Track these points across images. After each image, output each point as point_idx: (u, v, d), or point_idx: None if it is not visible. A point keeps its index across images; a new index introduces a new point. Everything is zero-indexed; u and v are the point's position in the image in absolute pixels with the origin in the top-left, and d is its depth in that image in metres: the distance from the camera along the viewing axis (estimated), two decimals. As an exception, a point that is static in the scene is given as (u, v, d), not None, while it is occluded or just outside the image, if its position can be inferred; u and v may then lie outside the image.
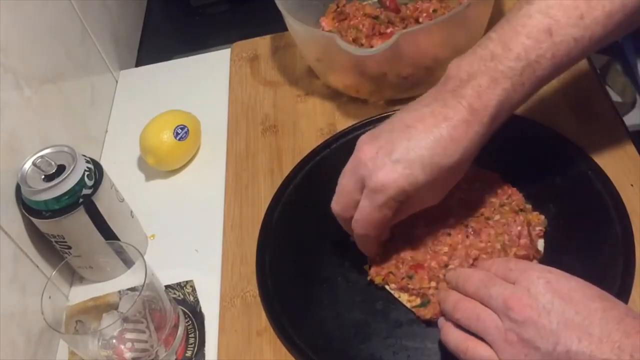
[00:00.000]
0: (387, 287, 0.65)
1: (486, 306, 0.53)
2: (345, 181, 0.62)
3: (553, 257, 0.64)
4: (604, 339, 0.48)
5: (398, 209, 0.60)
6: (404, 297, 0.64)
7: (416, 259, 0.65)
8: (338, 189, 0.63)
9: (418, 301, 0.63)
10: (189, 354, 0.67)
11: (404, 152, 0.58)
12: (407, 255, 0.65)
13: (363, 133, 0.78)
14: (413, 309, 0.63)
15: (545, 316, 0.49)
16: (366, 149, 0.60)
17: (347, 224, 0.64)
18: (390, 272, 0.65)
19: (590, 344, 0.48)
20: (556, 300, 0.50)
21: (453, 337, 0.55)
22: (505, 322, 0.51)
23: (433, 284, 0.63)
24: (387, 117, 0.79)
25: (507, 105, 0.59)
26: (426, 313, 0.62)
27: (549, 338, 0.49)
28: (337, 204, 0.63)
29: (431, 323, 0.62)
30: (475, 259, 0.63)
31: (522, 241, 0.63)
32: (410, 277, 0.64)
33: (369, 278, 0.66)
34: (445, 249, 0.65)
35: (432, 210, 0.67)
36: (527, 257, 0.63)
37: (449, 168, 0.58)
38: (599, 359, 0.47)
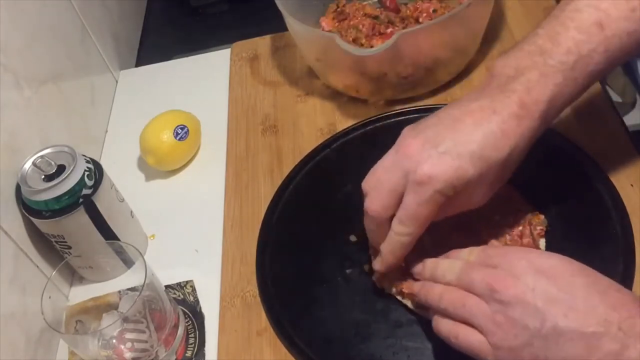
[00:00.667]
0: (392, 292, 0.65)
1: (471, 292, 0.53)
2: (386, 176, 0.58)
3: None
4: (589, 313, 0.48)
5: (440, 208, 0.57)
6: (407, 301, 0.64)
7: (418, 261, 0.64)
8: (375, 185, 0.59)
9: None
10: (189, 354, 0.67)
11: (452, 145, 0.55)
12: (407, 257, 0.65)
13: (363, 133, 0.80)
14: (418, 312, 0.63)
15: (530, 294, 0.49)
16: (411, 141, 0.57)
17: (381, 228, 0.60)
18: (393, 278, 0.65)
19: (576, 318, 0.48)
20: (539, 278, 0.50)
21: (443, 325, 0.55)
22: (492, 305, 0.51)
23: None
24: (388, 117, 0.80)
25: (560, 100, 0.57)
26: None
27: (535, 315, 0.49)
28: (377, 202, 0.58)
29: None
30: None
31: (525, 240, 0.63)
32: (410, 292, 0.63)
33: (373, 278, 0.66)
34: (447, 250, 0.64)
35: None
36: None
37: (499, 163, 0.56)
38: (587, 331, 0.47)
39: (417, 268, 0.61)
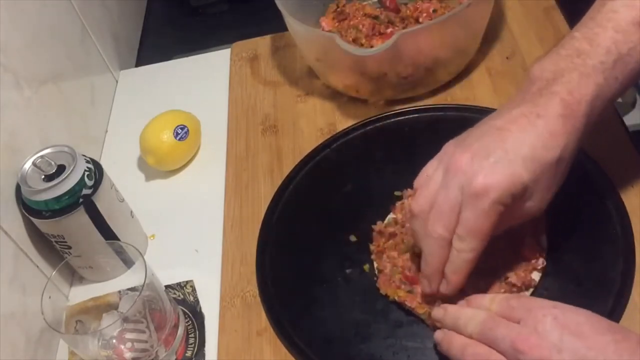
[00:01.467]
0: (396, 298, 0.64)
1: (494, 349, 0.52)
2: (442, 196, 0.56)
3: (553, 257, 0.64)
4: None
5: (500, 219, 0.56)
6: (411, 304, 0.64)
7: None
8: (433, 208, 0.57)
9: (425, 308, 0.63)
10: (189, 354, 0.67)
11: (502, 154, 0.55)
12: (412, 263, 0.65)
13: (363, 133, 0.80)
14: (422, 316, 0.63)
15: (557, 354, 0.48)
16: (459, 156, 0.56)
17: (445, 250, 0.57)
18: (397, 286, 0.64)
19: None
20: (566, 336, 0.49)
21: None
22: None
23: (438, 298, 0.62)
24: (387, 117, 0.80)
25: (602, 100, 0.56)
26: (433, 322, 0.61)
27: None
28: (438, 224, 0.57)
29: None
30: (479, 262, 0.63)
31: (528, 239, 0.63)
32: (410, 292, 0.64)
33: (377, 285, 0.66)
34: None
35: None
36: (533, 255, 0.63)
37: (551, 164, 0.55)
38: None
39: (438, 314, 0.59)
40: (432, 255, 0.59)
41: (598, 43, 0.56)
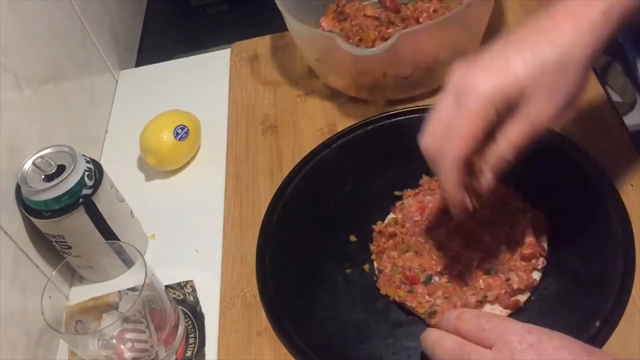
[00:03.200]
0: (396, 298, 0.65)
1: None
2: (440, 107, 0.54)
3: (553, 257, 0.64)
4: None
5: (505, 120, 0.53)
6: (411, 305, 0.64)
7: (422, 267, 0.64)
8: (431, 120, 0.55)
9: (425, 308, 0.63)
10: (189, 354, 0.67)
11: (500, 51, 0.52)
12: (412, 263, 0.65)
13: (363, 133, 0.80)
14: (422, 316, 0.63)
15: None
16: (460, 67, 0.54)
17: (447, 162, 0.54)
18: (397, 286, 0.64)
19: None
20: None
21: None
22: None
23: (438, 299, 0.62)
24: (387, 117, 0.80)
25: (618, 10, 0.52)
26: (436, 322, 0.61)
27: None
28: (431, 135, 0.55)
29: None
30: (480, 262, 0.63)
31: (528, 239, 0.63)
32: (411, 292, 0.64)
33: (377, 285, 0.66)
34: (450, 253, 0.64)
35: (433, 217, 0.67)
36: (533, 255, 0.63)
37: (555, 64, 0.51)
38: None
39: (422, 336, 0.57)
40: (453, 182, 0.55)
41: None
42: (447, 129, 0.54)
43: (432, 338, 0.54)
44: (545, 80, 0.51)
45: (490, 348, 0.50)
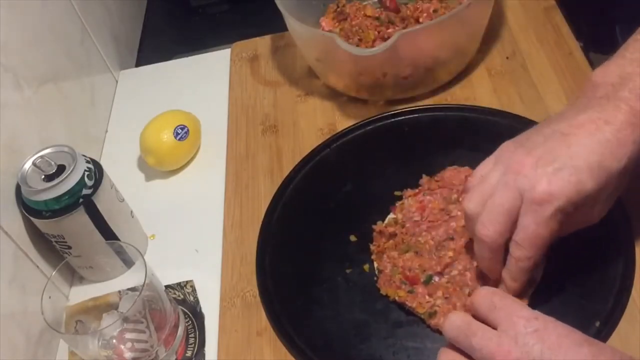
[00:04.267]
0: (396, 298, 0.64)
1: (469, 356, 0.52)
2: (499, 198, 0.54)
3: (553, 257, 0.64)
4: None
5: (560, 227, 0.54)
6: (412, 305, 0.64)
7: (422, 267, 0.64)
8: (487, 208, 0.55)
9: (425, 308, 0.63)
10: (189, 354, 0.67)
11: (567, 159, 0.53)
12: (412, 263, 0.65)
13: (363, 133, 0.80)
14: (422, 316, 0.63)
15: None
16: (522, 158, 0.54)
17: (496, 254, 0.56)
18: (397, 286, 0.64)
19: None
20: (546, 350, 0.48)
21: None
22: None
23: (439, 299, 0.62)
24: (387, 117, 0.80)
25: None
26: (436, 323, 0.62)
27: None
28: (491, 227, 0.55)
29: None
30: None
31: None
32: (411, 292, 0.64)
33: (378, 285, 0.66)
34: (450, 253, 0.64)
35: (433, 217, 0.67)
36: None
37: (617, 173, 0.53)
38: None
39: None
40: (482, 259, 0.58)
41: None
42: (509, 223, 0.55)
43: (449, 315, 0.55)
44: (608, 188, 0.54)
45: (496, 329, 0.51)
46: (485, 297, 0.54)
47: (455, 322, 0.54)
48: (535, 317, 0.51)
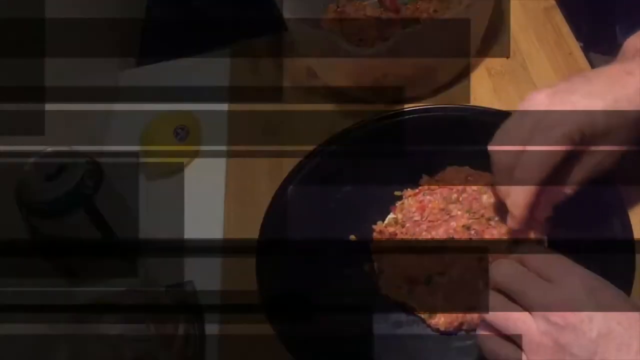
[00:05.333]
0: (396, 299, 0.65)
1: (517, 302, 0.51)
2: (513, 123, 0.57)
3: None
4: None
5: (566, 167, 0.56)
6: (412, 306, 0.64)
7: (422, 267, 0.64)
8: (502, 130, 0.58)
9: (425, 309, 0.63)
10: (189, 354, 0.67)
11: (586, 94, 0.55)
12: (413, 263, 0.65)
13: (363, 133, 0.80)
14: (422, 316, 0.63)
15: (587, 324, 0.48)
16: (542, 91, 0.57)
17: (505, 172, 0.58)
18: (397, 286, 0.65)
19: (628, 354, 0.47)
20: (599, 309, 0.48)
21: (486, 340, 0.53)
22: (541, 324, 0.49)
23: (439, 299, 0.62)
24: (388, 117, 0.80)
25: None
26: (436, 323, 0.62)
27: (588, 347, 0.47)
28: (500, 144, 0.58)
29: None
30: (480, 262, 0.63)
31: (528, 239, 0.63)
32: (411, 292, 0.64)
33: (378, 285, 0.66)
34: (450, 253, 0.64)
35: (433, 217, 0.67)
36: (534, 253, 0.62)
37: (630, 120, 0.55)
38: None
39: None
40: (498, 173, 0.59)
41: None
42: (517, 144, 0.56)
43: (497, 262, 0.55)
44: (618, 132, 0.56)
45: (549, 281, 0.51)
46: (538, 257, 0.54)
47: (508, 270, 0.53)
48: (590, 277, 0.51)
